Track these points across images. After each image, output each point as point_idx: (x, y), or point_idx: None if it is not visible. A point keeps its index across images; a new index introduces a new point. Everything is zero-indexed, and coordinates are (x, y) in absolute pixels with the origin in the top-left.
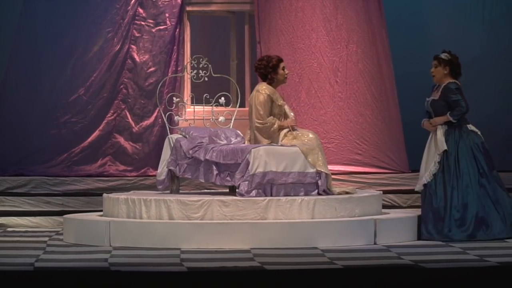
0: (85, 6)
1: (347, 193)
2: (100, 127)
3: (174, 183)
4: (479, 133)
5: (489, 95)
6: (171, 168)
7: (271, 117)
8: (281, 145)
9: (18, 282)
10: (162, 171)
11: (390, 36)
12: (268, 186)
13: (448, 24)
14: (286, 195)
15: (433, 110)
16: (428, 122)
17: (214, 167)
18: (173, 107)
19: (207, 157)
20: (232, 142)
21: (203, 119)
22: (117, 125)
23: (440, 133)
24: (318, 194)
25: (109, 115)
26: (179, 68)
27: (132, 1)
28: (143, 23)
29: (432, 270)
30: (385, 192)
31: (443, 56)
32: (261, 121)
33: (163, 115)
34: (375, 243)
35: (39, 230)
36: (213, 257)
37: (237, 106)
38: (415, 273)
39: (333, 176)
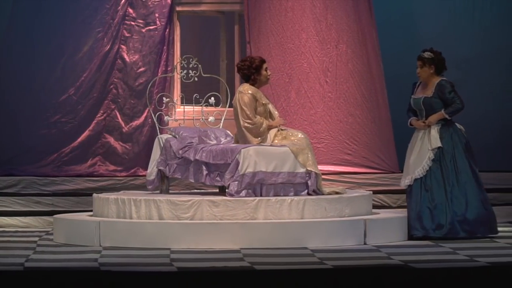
0: (75, 6)
1: (337, 193)
2: (90, 127)
3: (164, 183)
4: (463, 131)
5: (480, 95)
6: (161, 168)
7: (259, 116)
8: (271, 145)
9: (8, 282)
10: (152, 171)
11: (380, 37)
12: (258, 186)
13: (438, 24)
14: (276, 195)
15: (425, 108)
16: (422, 122)
17: (204, 167)
18: (163, 107)
19: (197, 157)
20: (222, 142)
21: (193, 119)
22: (107, 125)
23: (434, 130)
24: (308, 194)
25: (99, 115)
26: (169, 68)
27: (122, 1)
28: (133, 23)
29: (422, 270)
30: (375, 192)
31: (426, 55)
32: (249, 121)
33: (153, 115)
34: (365, 243)
35: (29, 230)
36: (203, 257)
37: (227, 106)
38: (405, 273)
39: (323, 176)
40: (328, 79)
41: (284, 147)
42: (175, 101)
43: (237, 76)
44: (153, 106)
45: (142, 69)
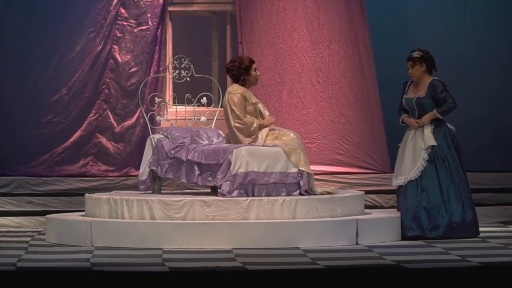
0: (67, 6)
1: (329, 193)
2: (82, 127)
3: (156, 183)
4: (454, 131)
5: (472, 95)
6: (153, 168)
7: (249, 116)
8: (263, 145)
9: (0, 282)
10: (144, 171)
11: (372, 37)
12: (250, 186)
13: (430, 24)
14: (268, 195)
15: (417, 108)
16: (415, 121)
17: (196, 167)
18: (155, 107)
19: (189, 157)
20: (214, 142)
21: (185, 119)
22: (99, 125)
23: (428, 130)
24: (300, 194)
25: (91, 115)
26: (161, 68)
27: (114, 1)
28: (125, 23)
29: (414, 270)
30: (367, 192)
31: (416, 54)
32: (239, 121)
33: (145, 115)
34: (357, 243)
35: (21, 230)
36: (195, 257)
37: (219, 106)
38: (397, 273)
39: (315, 176)
40: (320, 79)
41: (276, 147)
42: (167, 101)
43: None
44: (145, 106)
45: (134, 69)
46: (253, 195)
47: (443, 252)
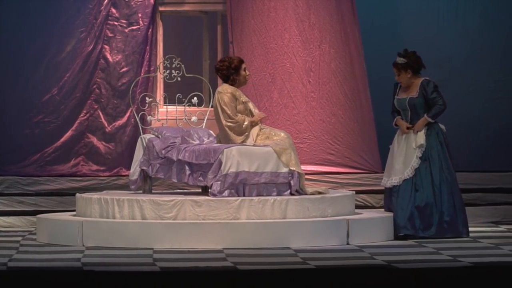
0: (58, 6)
1: (319, 193)
2: (73, 127)
3: (146, 183)
4: (444, 131)
5: (463, 95)
6: (144, 168)
7: (240, 114)
8: (254, 145)
9: None
10: (134, 171)
11: (363, 36)
12: (241, 186)
13: (422, 24)
14: (258, 195)
15: (410, 108)
16: (406, 127)
17: (187, 167)
18: (146, 107)
19: (180, 157)
20: (204, 142)
21: (176, 119)
22: (90, 125)
23: (421, 132)
24: (291, 194)
25: (82, 115)
26: (151, 68)
27: (105, 1)
28: (116, 23)
29: (405, 270)
30: (357, 192)
31: (400, 61)
32: (231, 120)
33: (135, 115)
34: (348, 243)
35: (12, 230)
36: (186, 257)
37: (210, 106)
38: (388, 273)
39: (305, 176)
40: (311, 79)
41: (267, 147)
42: (158, 101)
43: None
44: (136, 106)
45: (125, 69)
46: (244, 195)
47: (434, 252)
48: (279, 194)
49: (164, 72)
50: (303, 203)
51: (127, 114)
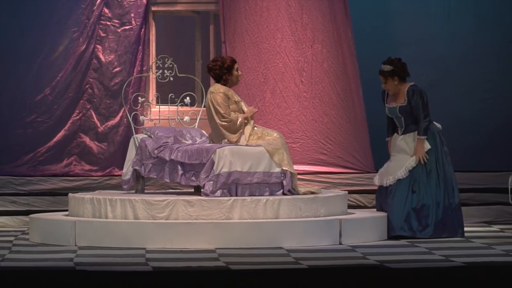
0: (50, 5)
1: (312, 193)
2: (66, 127)
3: (139, 183)
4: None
5: (455, 95)
6: (136, 168)
7: (233, 113)
8: (247, 145)
9: None
10: (127, 171)
11: (355, 36)
12: (233, 186)
13: (414, 24)
14: (251, 195)
15: (403, 115)
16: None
17: (179, 167)
18: (138, 107)
19: (172, 157)
20: (197, 142)
21: (168, 119)
22: (83, 125)
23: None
24: (283, 194)
25: (74, 115)
26: (144, 68)
27: (98, 1)
28: (108, 23)
29: (398, 270)
30: (350, 192)
31: (386, 68)
32: (225, 119)
33: (128, 115)
34: (340, 243)
35: (5, 230)
36: (178, 257)
37: (202, 106)
38: (381, 273)
39: (298, 176)
40: (303, 79)
41: (260, 147)
42: (150, 101)
43: None
44: (128, 106)
45: (117, 69)
46: (236, 195)
47: (427, 252)
48: (271, 194)
49: (156, 72)
50: (296, 203)
51: (120, 114)
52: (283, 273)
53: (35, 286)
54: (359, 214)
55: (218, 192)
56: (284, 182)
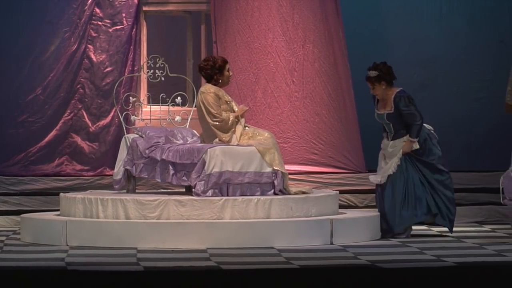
0: (42, 5)
1: (303, 193)
2: (57, 127)
3: (130, 183)
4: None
5: (447, 95)
6: (128, 167)
7: (224, 112)
8: (238, 145)
9: None
10: (118, 170)
11: (347, 36)
12: (224, 186)
13: (405, 24)
14: (242, 195)
15: (391, 122)
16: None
17: (171, 167)
18: (130, 107)
19: (164, 157)
20: (188, 142)
21: (160, 119)
22: (74, 124)
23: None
24: (275, 194)
25: (66, 114)
26: (135, 68)
27: (89, 1)
28: (100, 23)
29: (389, 270)
30: (341, 192)
31: (372, 74)
32: (217, 119)
33: (119, 114)
34: (331, 243)
35: None
36: (170, 257)
37: (194, 105)
38: (372, 273)
39: (289, 176)
40: (294, 79)
41: (251, 146)
42: (141, 101)
43: None
44: (119, 106)
45: (109, 68)
46: (227, 195)
47: (418, 252)
48: (262, 194)
49: (148, 72)
50: (287, 203)
51: (111, 114)
52: (274, 273)
53: (26, 286)
54: (350, 214)
55: (209, 192)
56: (275, 182)
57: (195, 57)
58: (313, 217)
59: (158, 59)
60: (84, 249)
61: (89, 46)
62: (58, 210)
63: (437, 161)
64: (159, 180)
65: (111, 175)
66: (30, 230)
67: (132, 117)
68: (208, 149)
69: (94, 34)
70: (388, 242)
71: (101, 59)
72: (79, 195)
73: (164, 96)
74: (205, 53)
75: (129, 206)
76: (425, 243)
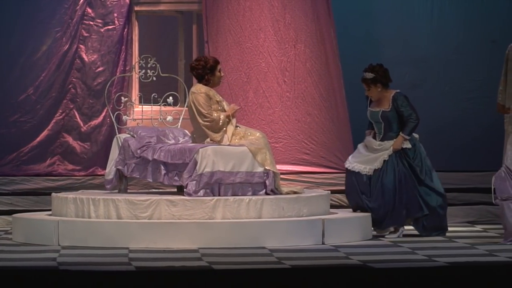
0: (33, 5)
1: (295, 192)
2: (49, 127)
3: (122, 183)
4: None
5: (438, 95)
6: (119, 167)
7: (215, 112)
8: (229, 145)
9: None
10: (110, 170)
11: (338, 36)
12: (216, 185)
13: (397, 23)
14: (234, 194)
15: (383, 121)
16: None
17: (162, 167)
18: (121, 107)
19: (155, 157)
20: (180, 142)
21: (151, 119)
22: (66, 124)
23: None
24: (266, 193)
25: (57, 114)
26: (127, 68)
27: (81, 1)
28: (91, 22)
29: (381, 270)
30: (333, 192)
31: (368, 76)
32: (208, 119)
33: (111, 114)
34: (323, 243)
35: None
36: (161, 257)
37: (185, 105)
38: (364, 273)
39: (281, 176)
40: (286, 79)
41: (242, 146)
42: (133, 101)
43: None
44: (111, 106)
45: (100, 68)
46: (219, 195)
47: (410, 252)
48: (254, 193)
49: (139, 72)
50: (279, 202)
51: (103, 114)
52: (266, 272)
53: (18, 286)
54: (342, 214)
55: (201, 192)
56: (267, 182)
57: (186, 57)
58: (304, 217)
59: (149, 59)
60: (76, 249)
61: (81, 46)
62: (50, 210)
63: (429, 173)
64: (150, 180)
65: (103, 175)
66: (22, 230)
67: (124, 117)
68: (200, 149)
69: (85, 34)
70: (380, 242)
71: (92, 59)
72: (70, 195)
73: (156, 96)
74: (197, 53)
75: (121, 206)
76: (416, 243)
